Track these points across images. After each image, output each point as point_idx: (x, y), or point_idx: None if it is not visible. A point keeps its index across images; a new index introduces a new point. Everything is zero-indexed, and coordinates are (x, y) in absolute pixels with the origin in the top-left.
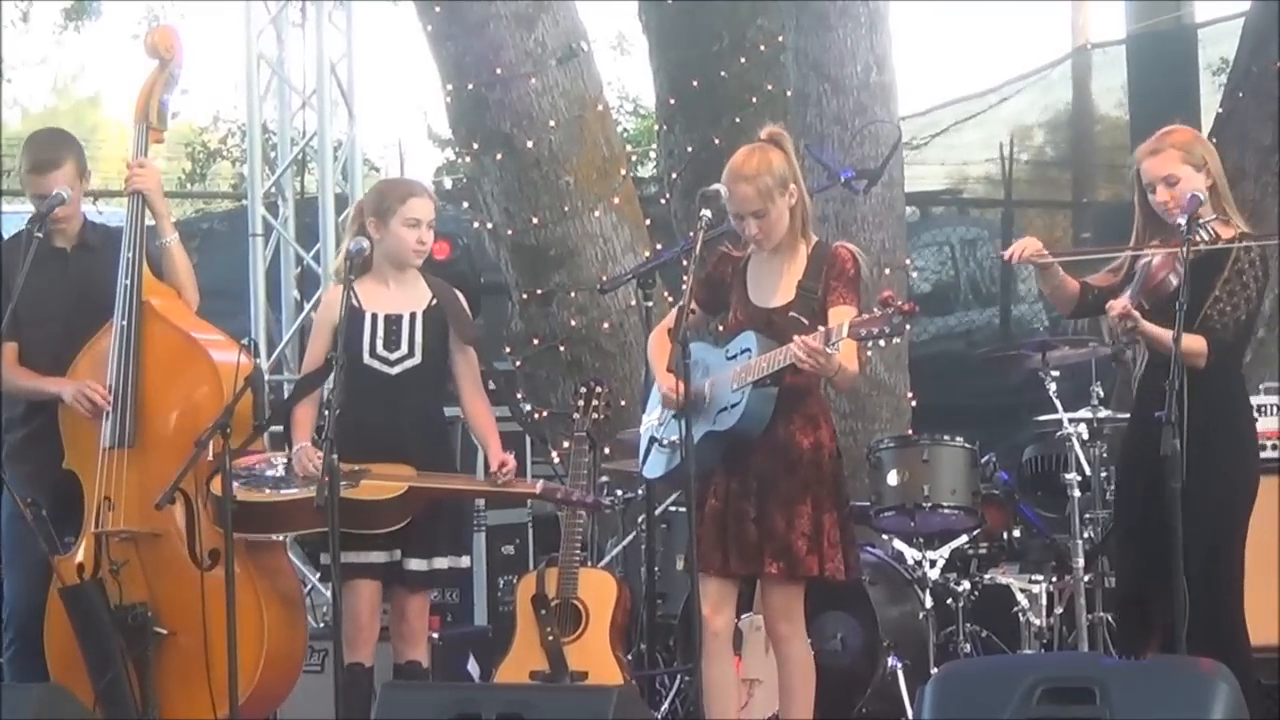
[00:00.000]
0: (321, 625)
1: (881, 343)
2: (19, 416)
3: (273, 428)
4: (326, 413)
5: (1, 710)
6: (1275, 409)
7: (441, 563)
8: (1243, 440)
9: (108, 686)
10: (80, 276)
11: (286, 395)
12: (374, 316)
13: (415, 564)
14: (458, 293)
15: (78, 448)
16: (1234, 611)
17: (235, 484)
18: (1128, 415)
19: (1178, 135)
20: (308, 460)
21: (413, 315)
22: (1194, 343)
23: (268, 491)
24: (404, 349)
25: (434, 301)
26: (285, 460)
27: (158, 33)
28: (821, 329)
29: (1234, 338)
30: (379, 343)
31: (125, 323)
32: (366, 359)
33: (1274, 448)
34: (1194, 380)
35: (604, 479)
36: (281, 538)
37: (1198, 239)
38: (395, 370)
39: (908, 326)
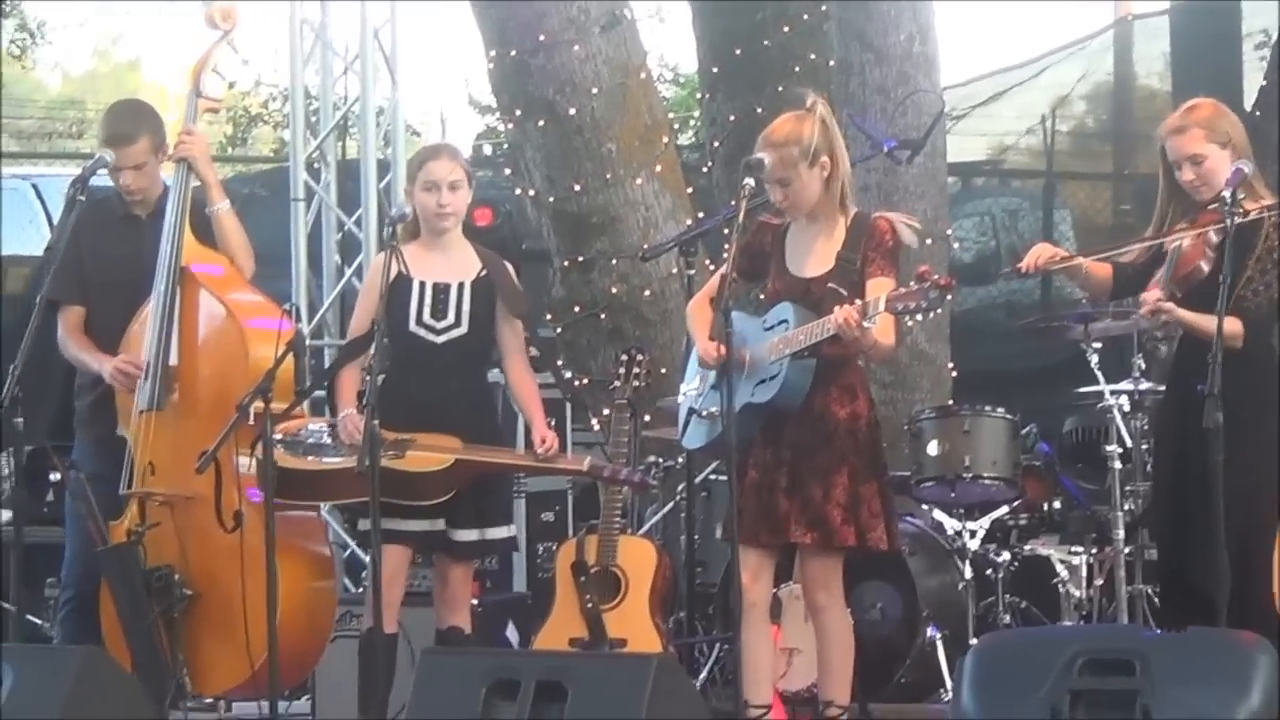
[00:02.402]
0: (360, 590)
1: (919, 316)
2: (89, 383)
3: (314, 394)
4: (368, 379)
5: (43, 672)
6: None
7: (494, 533)
8: (1274, 413)
9: (139, 646)
10: (153, 244)
11: (327, 361)
12: (422, 285)
13: (465, 534)
14: (508, 265)
15: (128, 414)
16: (1266, 584)
17: (279, 449)
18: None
19: (1201, 111)
20: (353, 427)
21: (461, 285)
22: (1231, 324)
23: (310, 459)
24: (451, 318)
25: (483, 272)
26: (328, 426)
27: (216, 5)
28: (859, 301)
29: (1267, 316)
30: (425, 311)
31: (163, 288)
32: (412, 326)
33: None
34: (1227, 356)
35: (650, 458)
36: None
37: (1227, 216)
38: (440, 339)
39: (948, 298)
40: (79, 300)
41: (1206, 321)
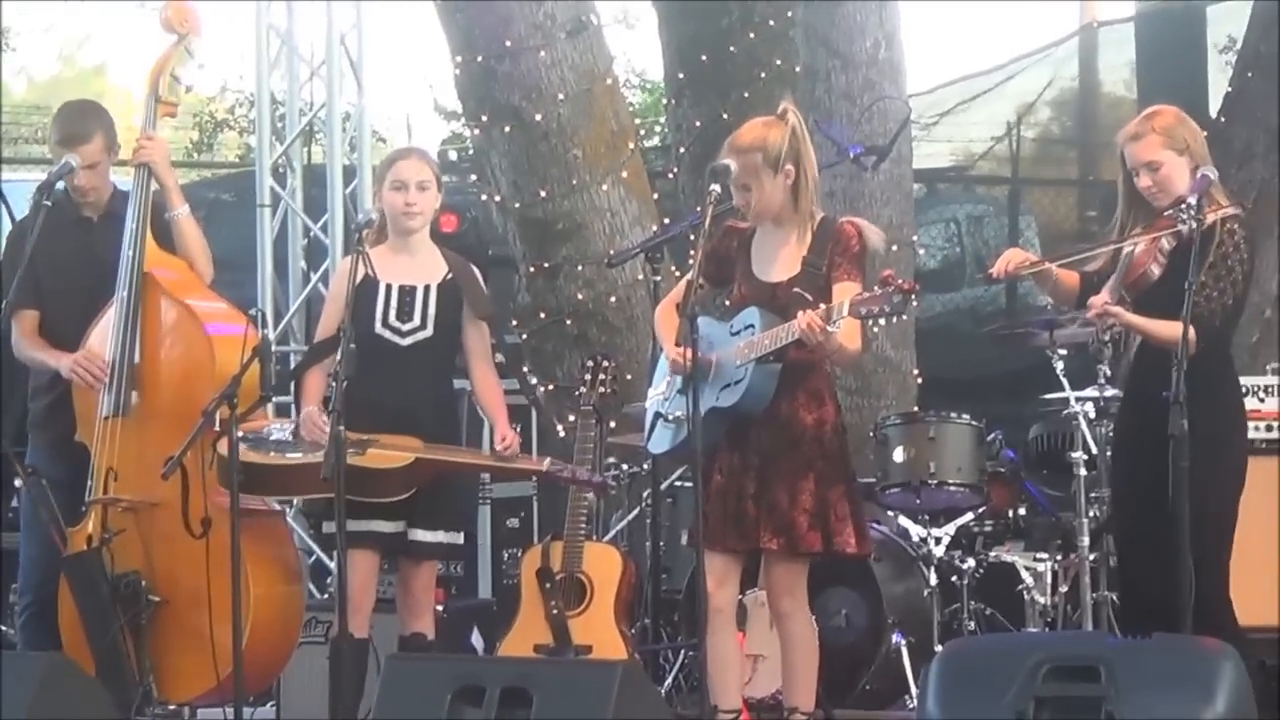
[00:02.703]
0: (325, 596)
1: (883, 321)
2: (44, 385)
3: (279, 398)
4: (334, 383)
5: (7, 678)
6: (1278, 390)
7: (454, 537)
8: (1228, 420)
9: (104, 654)
10: (105, 246)
11: (293, 366)
12: (388, 287)
13: (422, 535)
14: (474, 268)
15: (87, 420)
16: (1224, 591)
17: (243, 446)
18: None
19: (1160, 119)
20: (314, 424)
21: (427, 287)
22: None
23: (272, 454)
24: (416, 320)
25: (449, 275)
26: (291, 424)
27: (172, 8)
28: (823, 306)
29: (1221, 322)
30: (391, 313)
31: (125, 293)
32: (378, 328)
33: (1268, 428)
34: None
35: (611, 459)
36: (280, 505)
37: (1182, 222)
38: (406, 341)
39: (912, 302)
40: (33, 304)
41: (1153, 326)
